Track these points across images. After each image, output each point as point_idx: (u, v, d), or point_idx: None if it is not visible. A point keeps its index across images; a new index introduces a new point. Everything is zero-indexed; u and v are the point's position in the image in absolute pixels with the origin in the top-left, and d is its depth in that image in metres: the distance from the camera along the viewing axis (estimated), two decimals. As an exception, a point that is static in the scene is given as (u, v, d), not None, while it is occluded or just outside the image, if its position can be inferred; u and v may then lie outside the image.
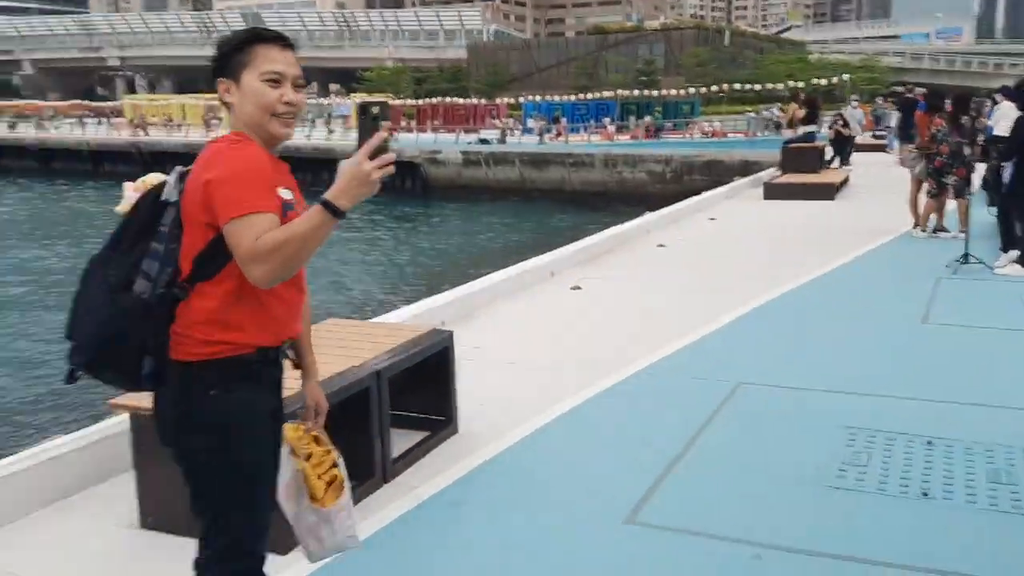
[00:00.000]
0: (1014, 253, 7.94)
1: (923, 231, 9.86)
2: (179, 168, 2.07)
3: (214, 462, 2.00)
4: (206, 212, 1.91)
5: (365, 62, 70.51)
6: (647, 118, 38.26)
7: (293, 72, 2.02)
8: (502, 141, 33.20)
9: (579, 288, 7.50)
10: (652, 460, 3.78)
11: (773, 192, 14.23)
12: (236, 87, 2.01)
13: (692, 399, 4.60)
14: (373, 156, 1.81)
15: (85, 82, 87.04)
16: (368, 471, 3.51)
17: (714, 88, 50.51)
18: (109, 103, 61.27)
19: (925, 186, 9.79)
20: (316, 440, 2.31)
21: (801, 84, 46.44)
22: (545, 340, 5.93)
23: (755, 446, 3.97)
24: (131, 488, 3.28)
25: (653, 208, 15.85)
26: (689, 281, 7.83)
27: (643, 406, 4.55)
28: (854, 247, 9.19)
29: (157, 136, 39.41)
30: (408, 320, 5.81)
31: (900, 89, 31.40)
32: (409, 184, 29.27)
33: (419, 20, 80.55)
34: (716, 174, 23.17)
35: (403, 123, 37.99)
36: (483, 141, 32.69)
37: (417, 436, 3.98)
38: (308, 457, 2.33)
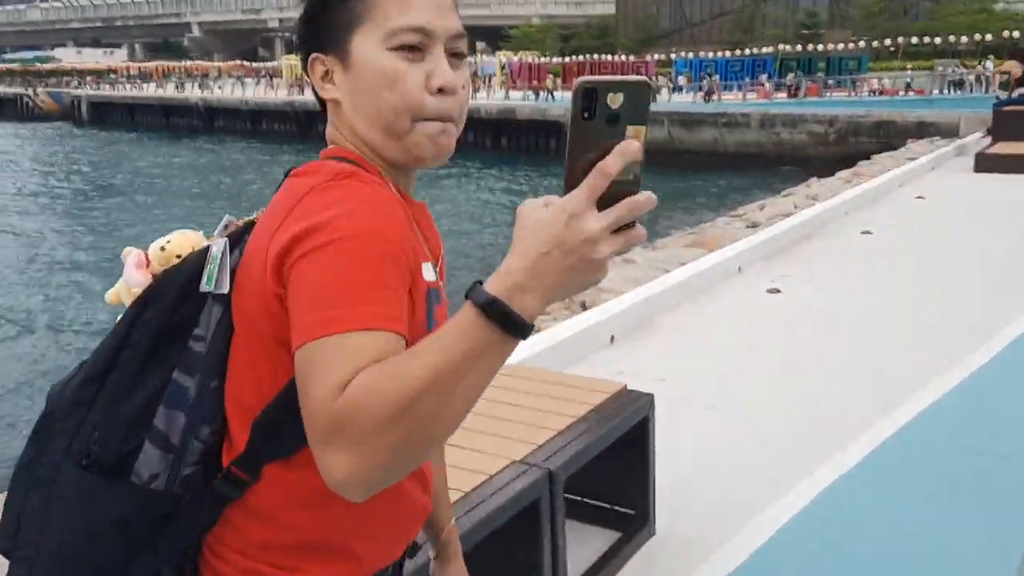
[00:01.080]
0: None
1: None
2: (229, 220, 1.06)
3: None
4: (278, 315, 0.92)
5: (511, 20, 69.84)
6: (789, 75, 35.37)
7: (446, 26, 1.00)
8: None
9: (777, 291, 6.04)
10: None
11: (987, 163, 12.05)
12: (341, 67, 1.02)
13: (1000, 481, 3.16)
14: (606, 201, 0.76)
15: (248, 44, 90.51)
16: (533, 617, 2.34)
17: (886, 42, 46.21)
18: (266, 64, 63.27)
19: None
20: None
21: (989, 37, 41.95)
22: (749, 369, 4.58)
23: None
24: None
25: (820, 173, 14.13)
26: (918, 280, 6.21)
27: (924, 492, 3.15)
28: None
29: (310, 95, 39.87)
30: (567, 338, 4.59)
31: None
32: (554, 144, 28.04)
33: (567, -25, 78.56)
34: (886, 136, 21.10)
35: (549, 82, 36.67)
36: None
37: (597, 539, 2.79)
38: None
